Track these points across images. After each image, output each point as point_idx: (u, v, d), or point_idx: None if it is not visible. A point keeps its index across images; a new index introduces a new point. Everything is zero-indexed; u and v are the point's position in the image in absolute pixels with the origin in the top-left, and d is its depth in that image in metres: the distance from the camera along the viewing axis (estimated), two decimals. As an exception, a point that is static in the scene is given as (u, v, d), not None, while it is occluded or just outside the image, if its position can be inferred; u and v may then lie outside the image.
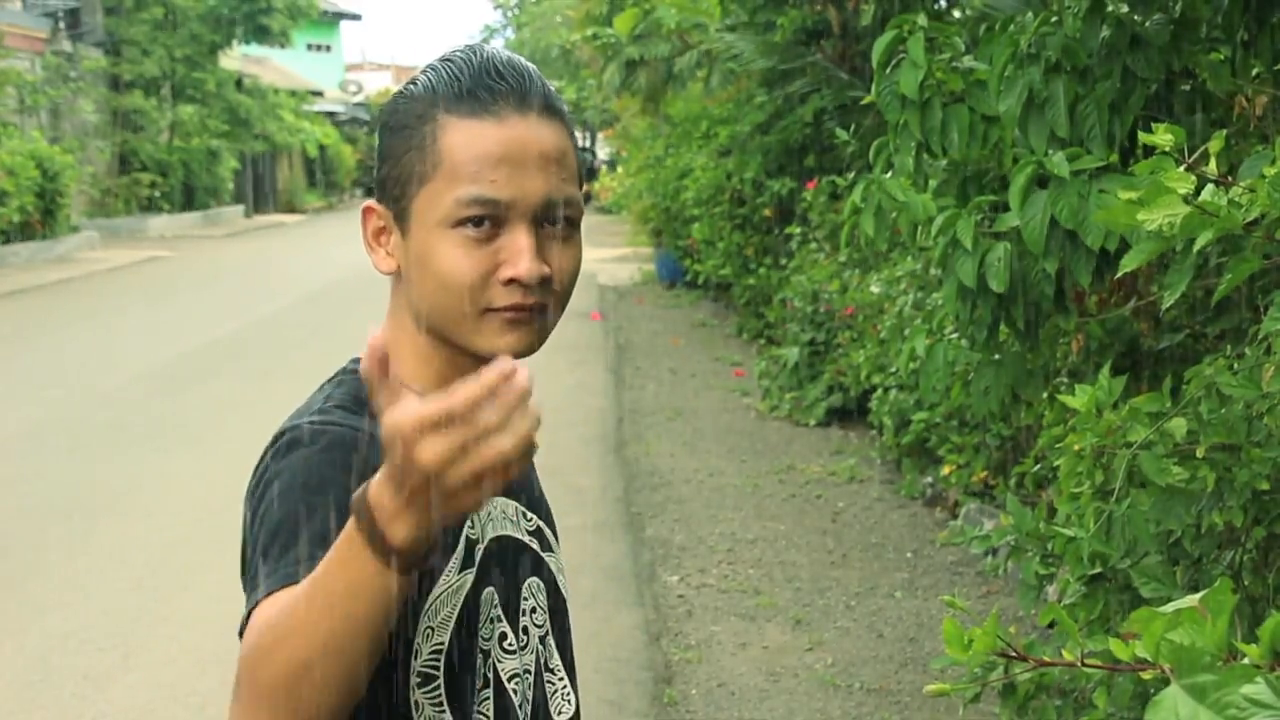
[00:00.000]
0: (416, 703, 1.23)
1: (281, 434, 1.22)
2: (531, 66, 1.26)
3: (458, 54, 1.26)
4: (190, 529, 6.14)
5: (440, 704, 1.24)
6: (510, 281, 1.20)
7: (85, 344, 11.87)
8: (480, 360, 1.25)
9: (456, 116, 1.21)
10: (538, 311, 1.23)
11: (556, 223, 1.23)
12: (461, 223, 1.20)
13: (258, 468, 1.21)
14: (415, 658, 1.23)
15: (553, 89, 1.27)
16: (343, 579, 0.95)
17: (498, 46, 1.30)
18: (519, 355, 1.23)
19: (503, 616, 1.30)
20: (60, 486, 6.92)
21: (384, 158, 1.25)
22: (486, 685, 1.28)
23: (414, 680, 1.23)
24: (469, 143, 1.20)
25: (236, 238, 26.38)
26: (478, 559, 1.28)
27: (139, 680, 4.51)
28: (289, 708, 0.99)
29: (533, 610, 1.36)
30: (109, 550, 5.86)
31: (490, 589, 1.29)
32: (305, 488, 1.15)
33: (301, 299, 15.02)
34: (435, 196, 1.21)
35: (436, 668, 1.24)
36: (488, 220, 1.20)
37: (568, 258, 1.25)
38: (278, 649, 0.99)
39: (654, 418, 8.86)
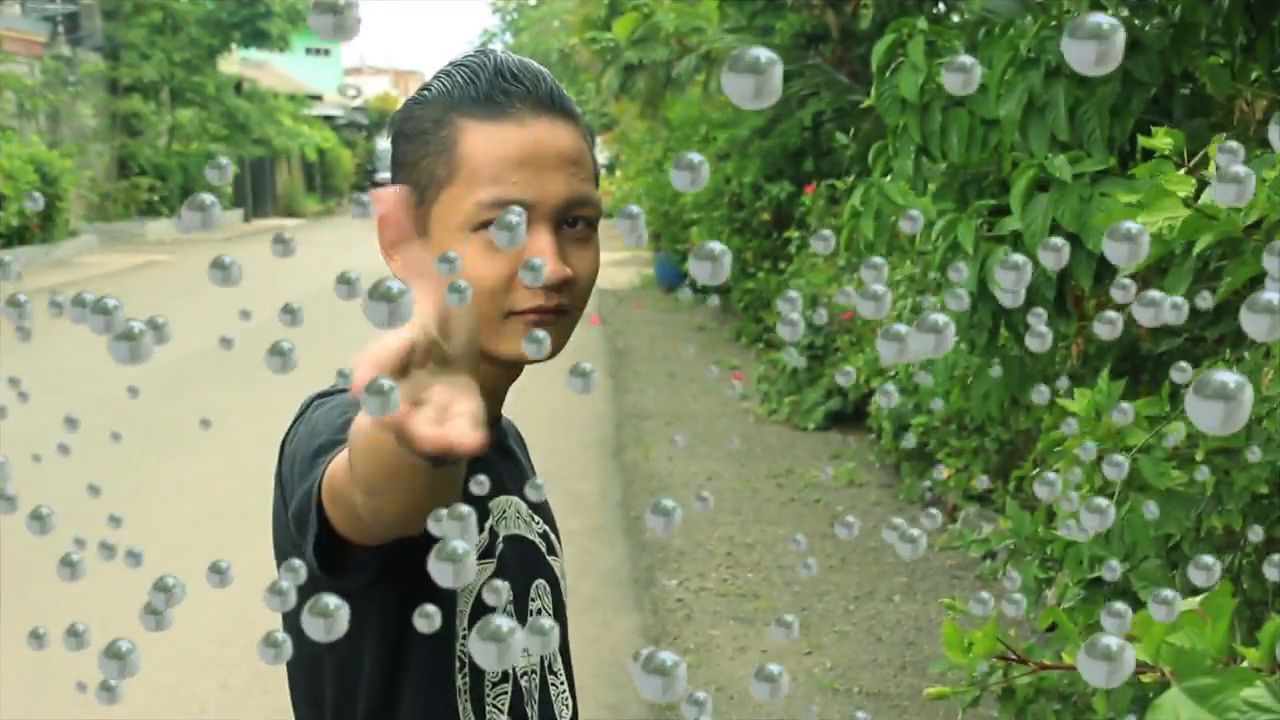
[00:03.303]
0: (460, 688, 1.26)
1: (308, 403, 1.24)
2: (544, 69, 1.26)
3: (470, 58, 1.25)
4: (188, 534, 6.14)
5: (483, 689, 1.27)
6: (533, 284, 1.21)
7: (83, 349, 11.86)
8: (503, 365, 1.26)
9: (474, 120, 1.21)
10: (560, 313, 1.23)
11: (576, 224, 1.24)
12: (483, 226, 1.20)
13: (286, 435, 1.23)
14: (455, 640, 1.25)
15: (565, 90, 1.27)
16: (387, 468, 0.92)
17: (507, 50, 1.30)
18: (542, 360, 1.23)
19: (514, 613, 1.31)
20: (58, 491, 6.90)
21: (400, 164, 1.24)
22: (505, 679, 1.29)
23: (456, 664, 1.25)
24: (488, 146, 1.20)
25: (235, 242, 26.37)
26: (497, 551, 1.29)
27: (137, 685, 4.50)
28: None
29: (539, 611, 1.36)
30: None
31: (505, 583, 1.30)
32: (340, 419, 1.16)
33: (300, 304, 15.00)
34: (455, 201, 1.20)
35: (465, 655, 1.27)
36: None
37: (587, 258, 1.25)
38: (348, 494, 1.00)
39: (653, 422, 8.86)
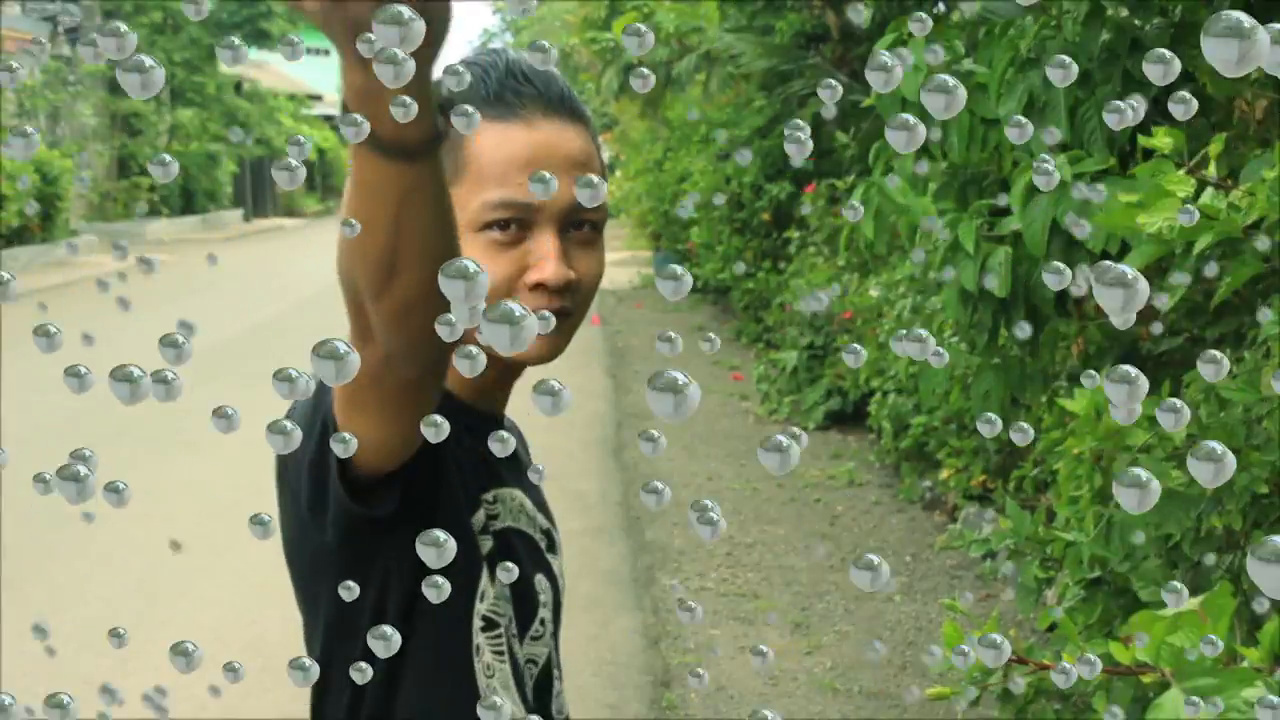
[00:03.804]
0: (478, 646, 1.25)
1: None
2: (555, 71, 1.26)
3: (481, 57, 1.25)
4: (189, 533, 6.14)
5: (501, 651, 1.26)
6: (537, 286, 1.20)
7: (83, 348, 11.84)
8: (505, 365, 1.26)
9: (484, 120, 1.21)
10: (563, 316, 1.23)
11: (582, 226, 1.24)
12: (488, 226, 1.20)
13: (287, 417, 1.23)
14: (481, 600, 1.24)
15: (575, 93, 1.27)
16: (371, 187, 0.93)
17: (518, 50, 1.29)
18: (544, 360, 1.23)
19: (510, 598, 1.31)
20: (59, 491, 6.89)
21: None
22: (502, 654, 1.29)
23: (478, 623, 1.24)
24: (497, 146, 1.20)
25: (235, 241, 26.36)
26: (491, 531, 1.29)
27: (139, 684, 4.50)
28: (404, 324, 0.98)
29: (544, 604, 1.36)
30: (108, 555, 5.86)
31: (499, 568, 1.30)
32: None
33: (300, 303, 15.03)
34: (461, 200, 1.20)
35: (499, 614, 1.26)
36: (514, 224, 1.20)
37: (591, 261, 1.26)
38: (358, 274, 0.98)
39: (653, 421, 8.86)
